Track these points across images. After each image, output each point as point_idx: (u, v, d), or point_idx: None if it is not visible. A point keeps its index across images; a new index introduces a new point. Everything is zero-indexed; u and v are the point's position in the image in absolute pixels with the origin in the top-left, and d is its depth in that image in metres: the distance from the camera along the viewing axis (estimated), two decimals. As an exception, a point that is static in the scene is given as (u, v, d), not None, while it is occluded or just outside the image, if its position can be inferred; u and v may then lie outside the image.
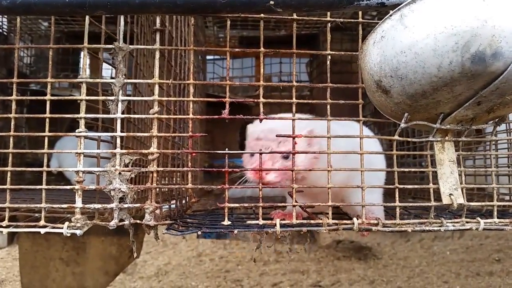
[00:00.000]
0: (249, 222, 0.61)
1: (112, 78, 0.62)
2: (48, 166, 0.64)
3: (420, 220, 0.61)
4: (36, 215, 0.68)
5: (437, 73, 0.54)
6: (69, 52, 2.02)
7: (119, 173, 0.59)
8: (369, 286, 2.19)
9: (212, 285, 2.28)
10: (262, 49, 0.62)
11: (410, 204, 0.64)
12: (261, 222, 0.60)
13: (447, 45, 0.52)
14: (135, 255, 0.64)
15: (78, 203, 0.60)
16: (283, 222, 0.60)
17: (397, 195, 0.61)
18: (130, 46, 0.61)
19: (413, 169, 0.68)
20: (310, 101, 0.67)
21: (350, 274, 2.34)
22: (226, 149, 0.61)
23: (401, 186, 0.62)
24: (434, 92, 0.57)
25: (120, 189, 0.59)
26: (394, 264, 2.42)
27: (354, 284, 2.23)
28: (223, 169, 0.60)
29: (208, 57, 2.19)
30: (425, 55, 0.54)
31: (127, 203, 0.59)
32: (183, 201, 0.83)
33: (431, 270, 2.30)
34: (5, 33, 1.71)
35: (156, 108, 0.59)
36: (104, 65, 0.73)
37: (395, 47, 0.56)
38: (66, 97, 0.65)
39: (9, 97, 0.63)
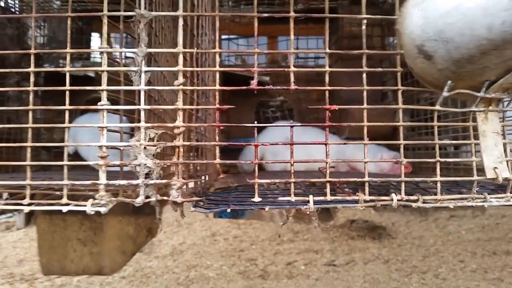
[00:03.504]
0: (281, 198, 0.57)
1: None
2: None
3: (462, 196, 0.57)
4: (58, 193, 0.65)
5: (487, 35, 0.49)
6: (82, 33, 1.98)
7: (144, 148, 0.55)
8: (384, 266, 2.17)
9: (226, 264, 2.27)
10: (292, 13, 0.58)
11: (453, 178, 0.59)
12: (293, 198, 0.56)
13: (500, 3, 0.47)
14: (160, 230, 0.61)
15: (103, 179, 0.57)
16: (317, 198, 0.56)
17: (438, 169, 0.57)
18: (152, 13, 0.57)
19: (454, 142, 0.63)
20: (344, 69, 0.62)
21: (365, 254, 2.32)
22: (255, 122, 0.57)
23: (443, 160, 0.57)
24: (481, 57, 0.52)
25: (145, 164, 0.55)
26: (409, 244, 2.39)
27: (368, 263, 2.20)
28: (253, 143, 0.56)
29: (223, 36, 2.13)
30: (474, 15, 0.49)
31: (153, 179, 0.55)
32: (206, 179, 0.79)
33: (447, 249, 2.27)
34: (17, 12, 1.67)
35: (181, 79, 0.55)
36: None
37: (439, 8, 0.51)
38: (85, 69, 0.61)
39: (26, 69, 0.59)
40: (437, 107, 0.57)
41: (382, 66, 1.59)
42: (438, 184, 0.57)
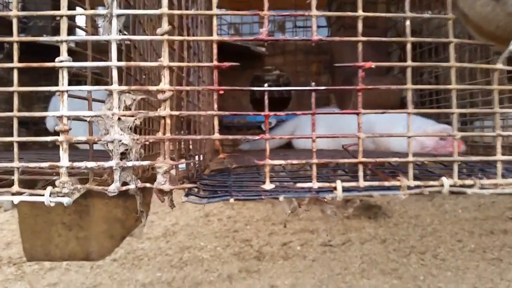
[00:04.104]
0: (300, 185, 0.42)
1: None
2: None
3: (529, 180, 0.43)
4: (19, 177, 0.50)
5: None
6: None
7: (119, 119, 0.40)
8: (381, 245, 2.06)
9: (221, 245, 2.15)
10: None
11: (519, 158, 0.45)
12: (315, 185, 0.42)
13: None
14: (143, 222, 0.47)
15: (64, 160, 0.41)
16: (346, 185, 0.42)
17: (499, 145, 0.43)
18: None
19: None
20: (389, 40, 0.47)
21: (361, 233, 2.21)
22: (266, 85, 0.42)
23: (505, 134, 0.43)
24: None
25: (121, 141, 0.40)
26: (405, 223, 2.28)
27: (365, 243, 2.09)
28: (263, 113, 0.41)
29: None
30: None
31: (131, 160, 0.40)
32: (200, 159, 0.64)
33: (444, 228, 2.16)
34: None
35: (165, 26, 0.40)
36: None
37: None
38: (37, 38, 0.45)
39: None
40: (499, 65, 0.43)
41: (386, 37, 1.44)
42: (499, 165, 0.43)
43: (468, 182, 0.42)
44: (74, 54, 0.47)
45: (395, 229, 2.20)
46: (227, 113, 0.41)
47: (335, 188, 0.41)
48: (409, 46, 0.41)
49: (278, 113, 0.41)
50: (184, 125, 0.56)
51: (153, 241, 2.18)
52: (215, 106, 0.41)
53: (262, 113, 0.41)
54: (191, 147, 0.67)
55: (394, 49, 1.34)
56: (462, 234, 2.07)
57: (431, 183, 0.42)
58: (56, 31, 1.67)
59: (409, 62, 0.41)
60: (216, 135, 0.41)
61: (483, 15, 0.41)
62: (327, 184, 0.41)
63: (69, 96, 0.42)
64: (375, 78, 1.21)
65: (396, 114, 0.73)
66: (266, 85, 0.42)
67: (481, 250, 1.93)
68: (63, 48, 0.41)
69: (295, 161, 0.42)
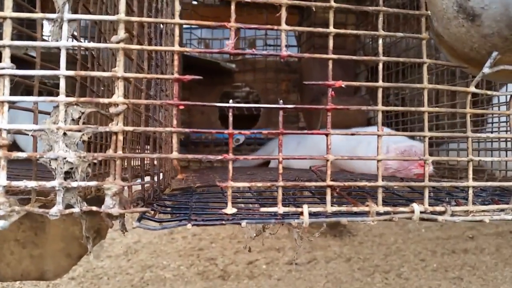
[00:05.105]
0: (264, 209, 0.39)
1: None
2: None
3: (500, 206, 0.42)
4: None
5: None
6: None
7: (64, 134, 0.35)
8: (346, 264, 2.05)
9: (185, 264, 2.07)
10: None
11: (490, 184, 0.44)
12: (281, 209, 0.38)
13: None
14: (91, 256, 0.42)
15: (1, 179, 0.36)
16: (314, 210, 0.39)
17: (470, 170, 0.41)
18: None
19: (491, 136, 0.48)
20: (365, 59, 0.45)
21: (326, 252, 2.19)
22: (231, 101, 0.39)
23: (477, 158, 0.42)
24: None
25: (65, 158, 0.35)
26: (370, 241, 2.28)
27: (330, 262, 2.08)
28: (226, 131, 0.38)
29: (184, 26, 1.94)
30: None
31: (76, 180, 0.36)
32: (160, 177, 0.60)
33: (408, 247, 2.18)
34: None
35: (122, 33, 0.36)
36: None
37: None
38: None
39: None
40: (472, 88, 0.41)
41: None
42: (470, 191, 0.41)
43: (439, 209, 0.40)
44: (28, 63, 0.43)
45: (360, 248, 2.20)
46: (186, 130, 0.37)
47: (301, 213, 0.38)
48: (380, 66, 0.39)
49: (242, 131, 0.38)
50: (142, 141, 0.51)
51: (113, 259, 2.07)
52: (174, 122, 0.38)
53: (226, 131, 0.37)
54: (148, 165, 0.63)
55: (361, 70, 1.34)
56: (425, 254, 2.08)
57: (401, 209, 0.39)
58: (16, 37, 1.59)
59: (380, 83, 0.39)
60: (175, 154, 0.37)
61: (457, 36, 0.40)
62: (293, 209, 0.38)
63: (11, 107, 0.37)
64: (343, 99, 1.20)
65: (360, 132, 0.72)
66: (231, 101, 0.38)
67: (443, 269, 1.95)
68: (6, 54, 0.36)
69: (259, 183, 0.39)
